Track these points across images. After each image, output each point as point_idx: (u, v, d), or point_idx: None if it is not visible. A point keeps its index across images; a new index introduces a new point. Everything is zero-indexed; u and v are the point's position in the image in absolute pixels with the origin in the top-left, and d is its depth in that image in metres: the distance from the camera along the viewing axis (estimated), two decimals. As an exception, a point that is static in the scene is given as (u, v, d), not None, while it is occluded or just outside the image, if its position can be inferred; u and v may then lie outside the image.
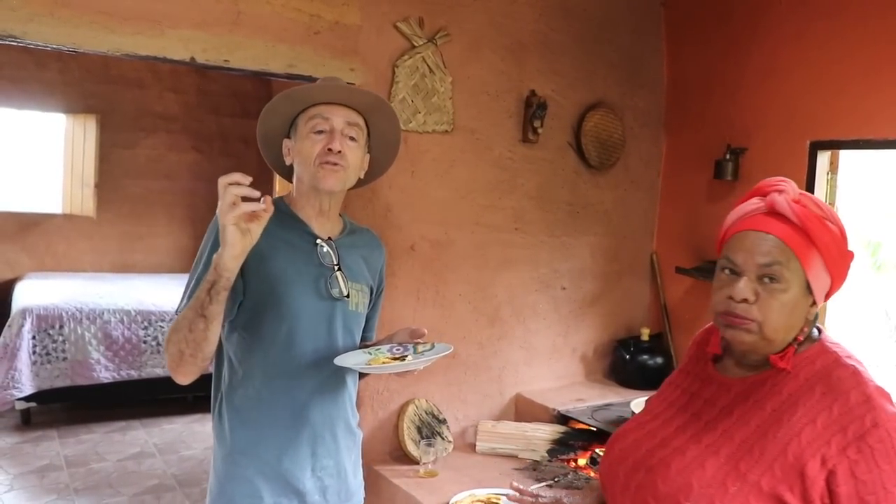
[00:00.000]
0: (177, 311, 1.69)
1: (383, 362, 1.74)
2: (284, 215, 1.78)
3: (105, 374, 5.09)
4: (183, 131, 6.87)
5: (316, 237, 1.80)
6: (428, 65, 3.01)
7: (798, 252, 1.25)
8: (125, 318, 5.20)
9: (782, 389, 1.27)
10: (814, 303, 1.30)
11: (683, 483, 1.27)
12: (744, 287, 1.27)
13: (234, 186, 1.47)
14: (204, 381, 5.28)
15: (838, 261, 1.28)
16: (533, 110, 3.28)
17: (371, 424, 3.03)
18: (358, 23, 2.84)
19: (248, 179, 1.48)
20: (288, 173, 1.88)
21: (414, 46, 2.97)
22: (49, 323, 4.96)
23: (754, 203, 1.34)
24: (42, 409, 5.13)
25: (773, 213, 1.30)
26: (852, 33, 3.01)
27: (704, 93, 3.63)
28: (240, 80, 6.94)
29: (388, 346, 1.83)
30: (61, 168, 6.56)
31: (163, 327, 5.26)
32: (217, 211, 1.49)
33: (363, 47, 2.86)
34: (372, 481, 2.99)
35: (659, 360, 3.63)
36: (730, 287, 1.29)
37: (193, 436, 5.08)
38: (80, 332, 5.04)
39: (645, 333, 3.68)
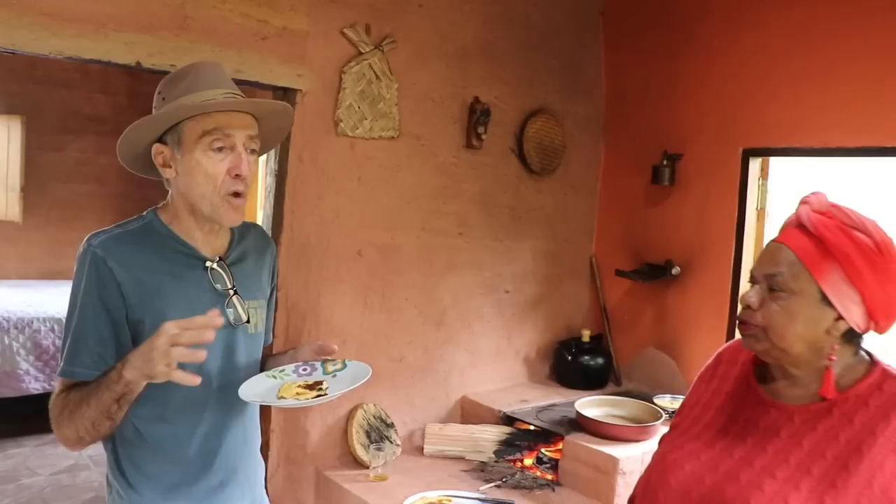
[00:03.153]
0: (61, 374, 1.49)
1: (296, 392, 1.52)
2: (165, 238, 1.56)
3: (35, 384, 4.93)
4: (114, 133, 6.49)
5: (205, 259, 1.58)
6: (374, 71, 3.03)
7: (808, 262, 1.24)
8: (56, 327, 5.04)
9: (853, 419, 1.24)
10: (839, 317, 1.25)
11: None
12: (751, 293, 1.30)
13: (183, 335, 1.30)
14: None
15: (866, 273, 1.22)
16: (477, 117, 3.33)
17: (320, 430, 3.03)
18: (305, 28, 2.83)
19: (210, 332, 1.33)
20: (146, 171, 1.64)
21: (361, 53, 2.98)
22: (-27, 333, 4.78)
23: (792, 216, 1.34)
24: (-34, 423, 4.93)
25: (800, 225, 1.30)
26: (780, 45, 3.17)
27: (641, 100, 3.75)
28: (173, 82, 6.81)
29: (293, 367, 1.62)
30: (-17, 171, 6.33)
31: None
32: (150, 355, 1.30)
33: (311, 53, 2.86)
34: (322, 487, 3.00)
35: (600, 360, 3.73)
36: (744, 295, 1.33)
37: (129, 446, 4.95)
38: (7, 341, 4.87)
39: (585, 335, 3.76)
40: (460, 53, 3.33)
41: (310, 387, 1.54)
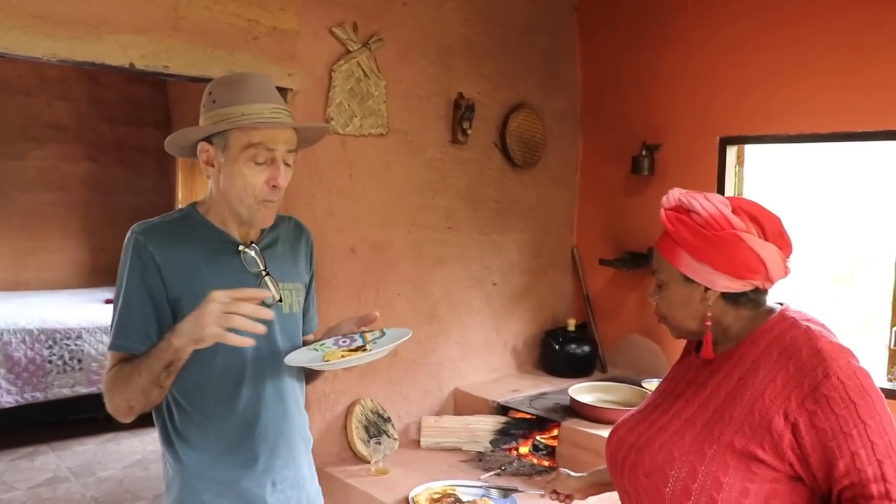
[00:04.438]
0: (111, 347, 1.61)
1: (341, 355, 1.60)
2: (201, 226, 1.68)
3: (7, 397, 4.83)
4: (75, 140, 6.58)
5: (238, 244, 1.69)
6: (363, 69, 3.05)
7: (665, 253, 1.46)
8: (27, 338, 4.94)
9: (747, 359, 1.39)
10: (707, 288, 1.42)
11: (667, 455, 1.40)
12: (651, 291, 1.55)
13: (241, 306, 1.41)
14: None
15: (703, 248, 1.39)
16: (462, 112, 3.38)
17: (319, 427, 3.04)
18: (295, 28, 2.85)
19: (262, 307, 1.45)
20: (188, 157, 1.74)
21: (349, 51, 3.01)
22: (-60, 347, 4.67)
23: None
24: (-63, 439, 4.83)
25: None
26: (754, 36, 3.28)
27: (619, 92, 3.83)
28: (135, 87, 6.74)
29: (332, 340, 1.71)
30: (-59, 182, 6.17)
31: (68, 345, 5.05)
32: (202, 319, 1.41)
33: (300, 52, 2.87)
34: (325, 483, 2.98)
35: (586, 348, 3.81)
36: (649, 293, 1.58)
37: (109, 455, 4.89)
38: (-24, 354, 4.76)
39: (571, 324, 3.84)
40: (443, 50, 3.37)
41: (352, 351, 1.62)
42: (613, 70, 3.86)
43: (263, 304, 1.61)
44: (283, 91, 2.86)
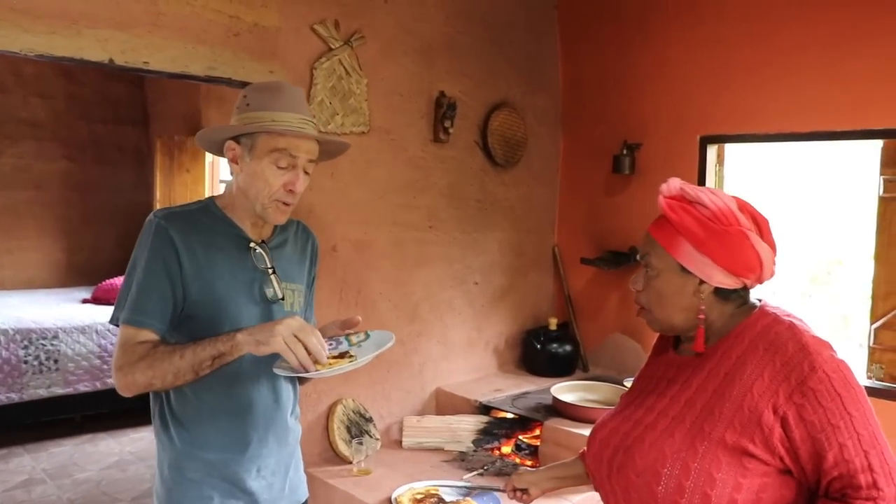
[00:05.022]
0: (113, 321, 1.69)
1: (329, 363, 1.63)
2: (218, 220, 1.79)
3: (-16, 398, 4.75)
4: (52, 138, 6.49)
5: (249, 241, 1.80)
6: (344, 67, 3.04)
7: (662, 240, 1.45)
8: (2, 338, 4.86)
9: (732, 354, 1.40)
10: (702, 281, 1.43)
11: (658, 454, 1.40)
12: (636, 277, 1.53)
13: (310, 338, 1.53)
14: (95, 401, 4.96)
15: (708, 240, 1.39)
16: (444, 111, 3.37)
17: (301, 427, 3.01)
18: (276, 24, 2.82)
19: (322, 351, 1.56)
20: (216, 153, 1.86)
21: (331, 49, 2.99)
22: (-85, 347, 4.58)
23: None
24: None
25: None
26: (733, 35, 3.31)
27: (599, 91, 3.85)
28: (112, 85, 6.66)
29: None
30: (-87, 180, 6.06)
31: (44, 345, 4.97)
32: (275, 329, 1.53)
33: (282, 49, 2.85)
34: (307, 484, 2.98)
35: (567, 347, 3.81)
36: (632, 279, 1.55)
37: (86, 457, 4.82)
38: (-50, 355, 4.68)
39: (553, 323, 3.85)
40: (425, 48, 3.36)
41: (338, 357, 1.68)
42: (594, 69, 3.87)
43: (267, 300, 1.79)
44: (264, 88, 2.84)
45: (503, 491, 1.87)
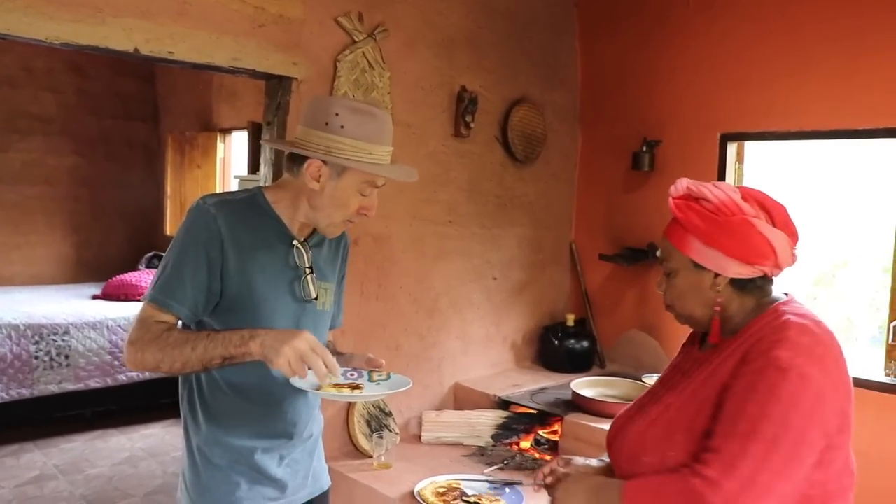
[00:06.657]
0: (152, 300, 1.65)
1: (338, 388, 1.71)
2: (265, 213, 1.77)
3: (-8, 393, 4.73)
4: (62, 134, 6.48)
5: (293, 238, 1.79)
6: (368, 60, 3.02)
7: (674, 240, 1.49)
8: (13, 334, 4.84)
9: (732, 349, 1.43)
10: (717, 274, 1.45)
11: (640, 441, 1.46)
12: (661, 279, 1.57)
13: (317, 362, 1.51)
14: (105, 397, 4.93)
15: (714, 233, 1.41)
16: (465, 105, 3.36)
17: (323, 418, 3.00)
18: (301, 16, 2.81)
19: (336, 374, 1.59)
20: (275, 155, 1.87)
21: (354, 41, 2.97)
22: (-77, 341, 4.57)
23: None
24: (-80, 436, 4.72)
25: None
26: (753, 31, 3.30)
27: (618, 88, 3.83)
28: (122, 80, 6.66)
29: (342, 371, 1.78)
30: (-77, 174, 6.06)
31: (55, 341, 4.95)
32: (283, 350, 1.50)
33: (306, 41, 2.84)
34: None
35: (584, 343, 3.80)
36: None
37: (97, 453, 4.80)
38: (-39, 350, 4.66)
39: (570, 319, 3.83)
40: (447, 42, 3.35)
41: (349, 386, 1.73)
42: (614, 65, 3.86)
43: (301, 298, 1.80)
44: (287, 80, 2.84)
45: (525, 485, 1.86)
